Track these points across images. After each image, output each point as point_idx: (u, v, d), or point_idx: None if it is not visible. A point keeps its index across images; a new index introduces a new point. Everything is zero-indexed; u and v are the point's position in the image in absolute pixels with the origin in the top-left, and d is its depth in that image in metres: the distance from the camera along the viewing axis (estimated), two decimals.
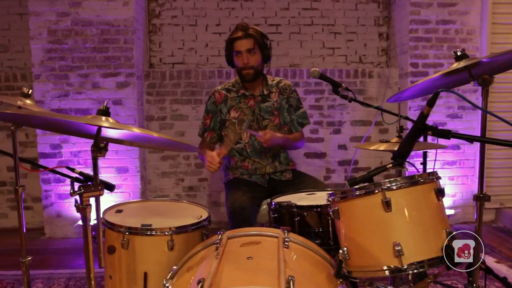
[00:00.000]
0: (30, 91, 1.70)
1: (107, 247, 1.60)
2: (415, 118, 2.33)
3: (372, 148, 1.76)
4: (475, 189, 3.75)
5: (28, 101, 1.69)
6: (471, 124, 3.67)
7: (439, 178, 1.27)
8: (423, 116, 1.16)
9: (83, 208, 1.17)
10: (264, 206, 2.08)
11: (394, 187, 1.21)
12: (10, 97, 1.67)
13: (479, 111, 3.68)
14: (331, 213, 1.31)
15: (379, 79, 3.80)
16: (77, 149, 3.41)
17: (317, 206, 1.58)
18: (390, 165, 1.62)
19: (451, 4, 3.51)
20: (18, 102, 1.65)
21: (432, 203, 1.23)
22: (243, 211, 1.93)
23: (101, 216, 1.67)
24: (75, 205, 1.19)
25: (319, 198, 1.80)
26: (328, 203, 1.41)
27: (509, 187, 3.81)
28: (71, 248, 3.31)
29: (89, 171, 3.44)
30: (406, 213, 1.20)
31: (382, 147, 1.75)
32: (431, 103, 1.13)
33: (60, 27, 3.36)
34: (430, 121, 2.33)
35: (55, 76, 3.39)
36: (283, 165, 2.34)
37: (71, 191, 1.15)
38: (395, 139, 1.79)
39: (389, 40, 3.95)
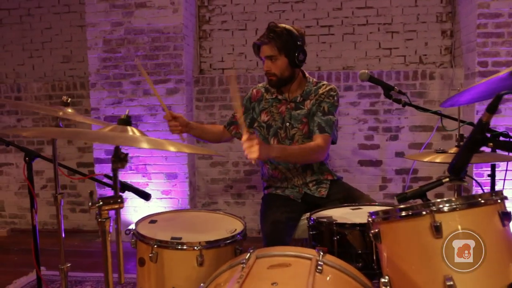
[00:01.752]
0: (69, 99, 1.71)
1: (138, 259, 1.55)
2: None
3: (426, 159, 1.55)
4: None
5: (69, 110, 1.70)
6: None
7: (505, 198, 1.06)
8: (482, 124, 0.96)
9: (101, 221, 1.12)
10: (305, 221, 1.93)
11: (446, 209, 1.01)
12: (50, 107, 1.69)
13: None
14: (371, 236, 1.15)
15: (442, 80, 3.48)
16: (129, 155, 3.48)
17: (360, 225, 1.41)
18: (447, 179, 1.42)
19: None
20: (60, 113, 1.65)
21: (495, 229, 1.02)
22: (277, 228, 1.80)
23: (134, 227, 1.64)
24: (95, 218, 1.14)
25: (365, 214, 1.62)
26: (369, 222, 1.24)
27: None
28: (124, 251, 3.38)
29: (139, 177, 3.51)
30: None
31: (438, 159, 1.53)
32: (491, 109, 0.93)
33: (114, 37, 3.47)
34: (501, 126, 2.04)
35: (109, 84, 3.50)
36: (317, 175, 2.07)
37: (90, 203, 1.10)
38: (453, 149, 1.56)
39: (454, 37, 3.61)
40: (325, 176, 2.10)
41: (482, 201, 1.03)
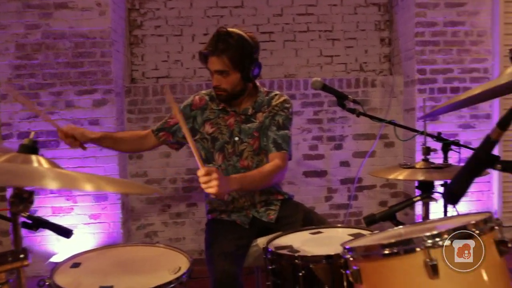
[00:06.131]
0: None
1: None
2: (423, 130, 2.02)
3: (391, 176, 1.41)
4: (491, 205, 3.45)
5: None
6: (484, 134, 3.27)
7: (500, 224, 0.92)
8: (490, 142, 0.81)
9: None
10: (255, 248, 1.71)
11: (441, 243, 0.85)
12: None
13: (494, 120, 3.36)
14: (349, 276, 0.96)
15: (383, 88, 3.48)
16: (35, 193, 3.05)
17: (328, 257, 1.22)
18: (418, 197, 1.28)
19: (460, 4, 3.21)
20: None
21: (493, 262, 0.88)
22: (226, 261, 1.57)
23: (50, 274, 1.31)
24: None
25: (328, 240, 1.44)
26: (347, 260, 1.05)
27: None
28: None
29: (62, 201, 3.08)
30: (459, 280, 0.84)
31: (403, 175, 1.39)
32: (505, 125, 0.78)
33: (30, 41, 3.03)
34: (437, 132, 2.00)
35: (24, 95, 3.03)
36: (266, 195, 1.83)
37: None
38: (420, 164, 1.44)
39: (392, 45, 3.64)
40: (275, 196, 1.88)
41: (477, 231, 0.88)
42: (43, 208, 3.00)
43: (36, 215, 1.53)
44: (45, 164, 0.90)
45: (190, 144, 1.35)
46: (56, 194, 3.03)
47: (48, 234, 3.05)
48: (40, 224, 1.49)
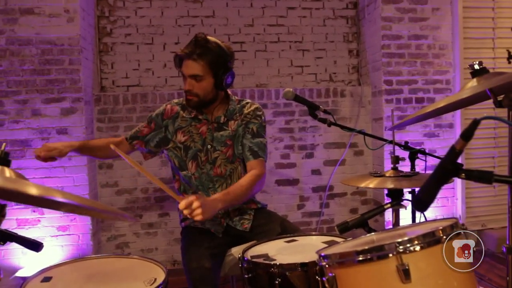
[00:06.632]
0: None
1: None
2: (392, 139, 2.10)
3: (362, 185, 1.45)
4: (455, 211, 3.61)
5: None
6: (448, 142, 3.49)
7: (465, 229, 0.97)
8: (455, 152, 0.86)
9: None
10: (230, 257, 1.72)
11: (412, 249, 0.89)
12: None
13: (457, 129, 3.52)
14: (325, 282, 0.98)
15: (352, 98, 3.58)
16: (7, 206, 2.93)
17: (303, 264, 1.25)
18: (388, 205, 1.33)
19: (422, 18, 3.36)
20: None
21: (460, 266, 0.93)
22: (202, 269, 1.58)
23: None
24: None
25: (303, 248, 1.47)
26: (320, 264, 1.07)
27: (490, 206, 3.64)
28: None
29: (28, 213, 2.97)
30: (431, 284, 0.89)
31: (374, 183, 1.45)
32: (468, 136, 0.83)
33: None
34: (404, 141, 2.10)
35: None
36: (240, 204, 1.84)
37: None
38: (389, 172, 1.50)
39: (360, 56, 3.75)
40: (249, 204, 1.90)
41: (444, 237, 0.93)
42: (8, 220, 2.89)
43: (1, 228, 1.49)
44: (8, 174, 0.88)
45: (161, 185, 1.40)
46: (21, 205, 2.92)
47: (14, 247, 2.94)
48: (7, 237, 1.44)
